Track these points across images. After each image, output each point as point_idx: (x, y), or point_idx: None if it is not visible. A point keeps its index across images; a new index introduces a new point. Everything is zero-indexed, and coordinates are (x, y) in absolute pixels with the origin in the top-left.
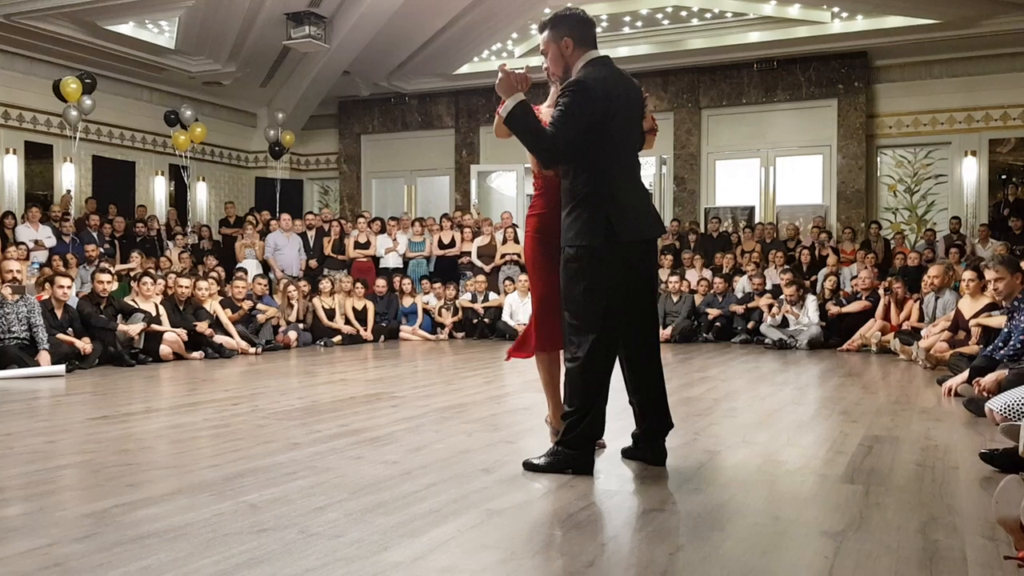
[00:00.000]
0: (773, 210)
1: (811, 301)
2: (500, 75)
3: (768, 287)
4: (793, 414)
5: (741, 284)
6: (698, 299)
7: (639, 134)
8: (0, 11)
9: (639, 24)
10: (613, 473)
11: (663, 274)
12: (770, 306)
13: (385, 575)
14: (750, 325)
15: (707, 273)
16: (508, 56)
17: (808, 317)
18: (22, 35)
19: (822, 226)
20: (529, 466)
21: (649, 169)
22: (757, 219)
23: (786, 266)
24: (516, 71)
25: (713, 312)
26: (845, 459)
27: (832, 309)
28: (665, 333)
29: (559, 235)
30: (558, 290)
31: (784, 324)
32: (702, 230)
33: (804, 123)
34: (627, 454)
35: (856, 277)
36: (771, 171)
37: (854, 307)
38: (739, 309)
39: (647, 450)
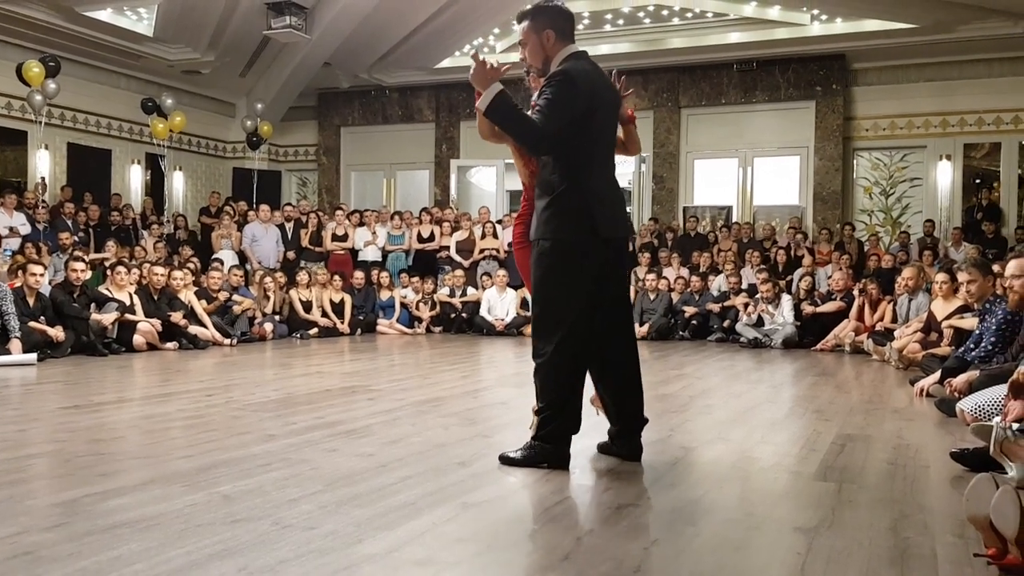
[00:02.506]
0: (750, 210)
1: (786, 301)
2: (474, 65)
3: (744, 286)
4: (767, 412)
5: (717, 283)
6: (675, 297)
7: (615, 133)
8: None
9: (620, 22)
10: (589, 468)
11: (640, 272)
12: (746, 305)
13: (359, 567)
14: (726, 324)
15: (684, 271)
16: (490, 51)
17: (783, 317)
18: None
19: (798, 227)
20: (505, 459)
21: (628, 167)
22: (734, 219)
23: (762, 266)
24: (492, 62)
25: (690, 310)
26: (818, 457)
27: (807, 309)
28: (642, 330)
29: None
30: None
31: (759, 323)
32: (680, 229)
33: (782, 124)
34: (603, 449)
35: (831, 278)
36: (749, 171)
37: (829, 307)
38: (715, 308)
39: (623, 446)
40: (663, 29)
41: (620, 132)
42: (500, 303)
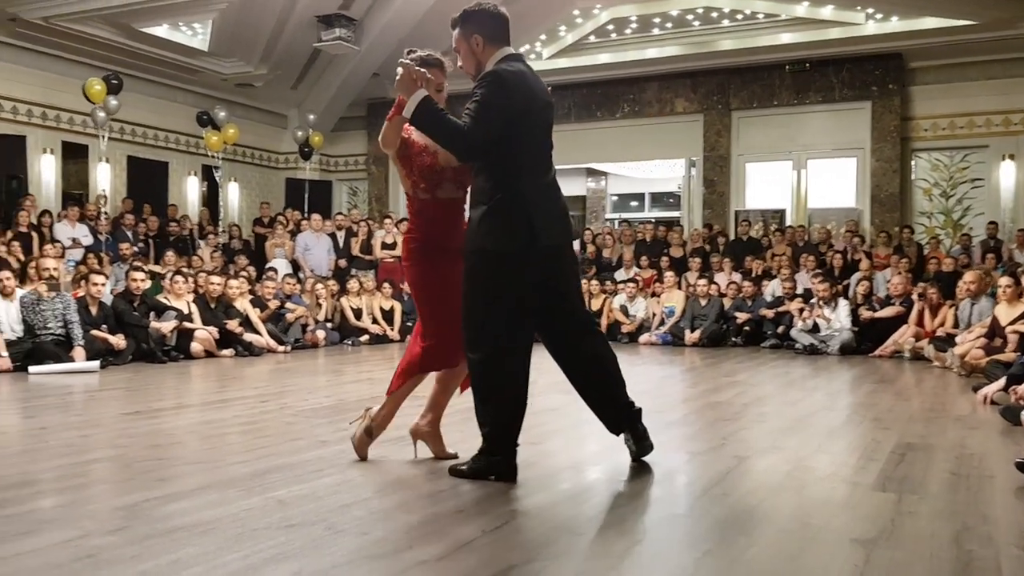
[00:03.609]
0: (804, 213)
1: (843, 306)
2: (399, 71)
3: (799, 291)
4: (824, 420)
5: (771, 288)
6: (727, 303)
7: (551, 135)
8: (38, 13)
9: (669, 25)
10: (638, 477)
11: (691, 277)
12: (801, 310)
13: (410, 573)
14: (780, 329)
15: (736, 276)
16: (536, 58)
17: (840, 322)
18: (59, 37)
19: (855, 230)
20: (455, 472)
21: (678, 171)
22: (788, 222)
23: (817, 270)
24: (420, 68)
25: (742, 316)
26: (877, 466)
27: (865, 314)
28: (693, 336)
29: (444, 251)
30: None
31: (815, 329)
32: (732, 233)
33: (837, 125)
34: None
35: (890, 282)
36: (803, 174)
37: (887, 312)
38: (769, 313)
39: (632, 446)
40: (712, 31)
41: None
42: None
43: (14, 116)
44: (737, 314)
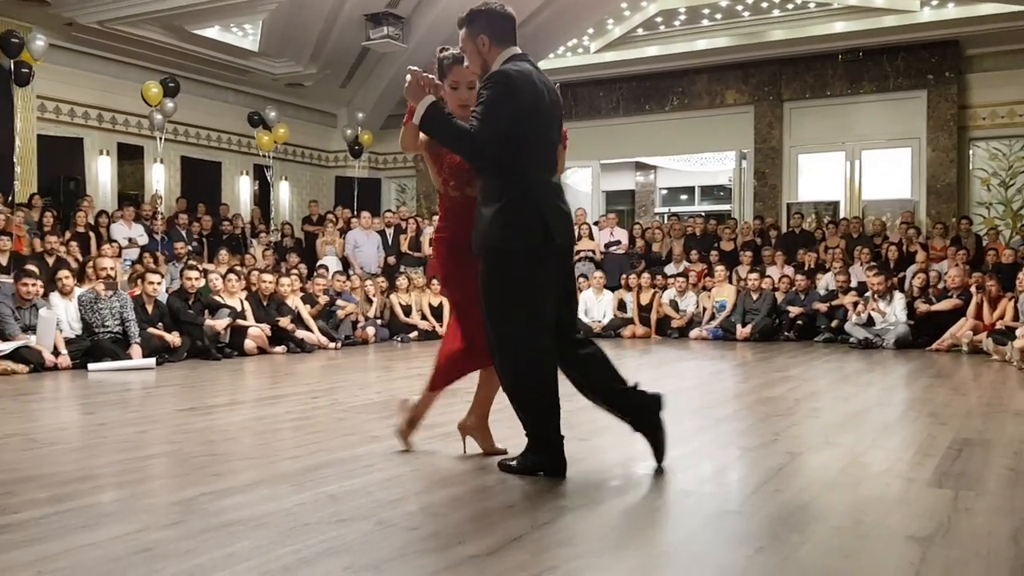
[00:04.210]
0: (859, 205)
1: (899, 299)
2: (408, 79)
3: (853, 284)
4: (879, 415)
5: (825, 281)
6: (779, 297)
7: (559, 135)
8: (94, 18)
9: (718, 16)
10: (689, 473)
11: (742, 271)
12: (855, 304)
13: (460, 568)
14: (834, 324)
15: (789, 270)
16: (584, 52)
17: (895, 315)
18: (114, 40)
19: (911, 221)
20: (504, 467)
21: (728, 163)
22: (842, 214)
23: (872, 263)
24: (425, 74)
25: (795, 310)
26: (933, 462)
27: (921, 307)
28: (744, 331)
29: (470, 251)
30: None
31: (870, 323)
32: (784, 226)
33: (892, 115)
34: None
35: (946, 274)
36: (857, 165)
37: (944, 305)
38: (822, 307)
39: (648, 441)
40: (763, 21)
41: None
42: (597, 305)
43: (71, 119)
44: (790, 308)
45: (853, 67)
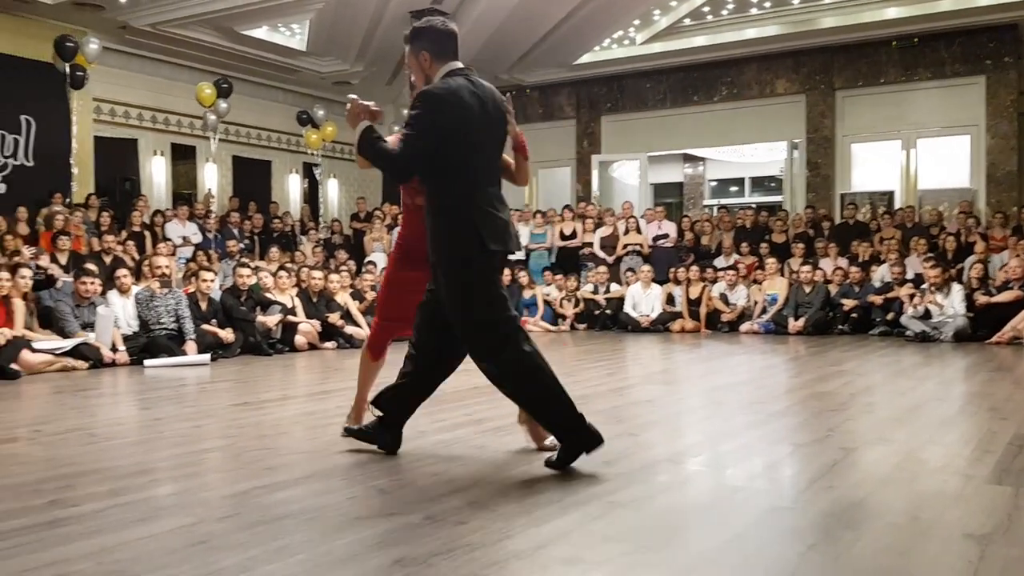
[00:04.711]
0: (914, 194)
1: (957, 291)
2: (348, 106)
3: (909, 276)
4: (936, 410)
5: (880, 273)
6: (833, 289)
7: (500, 147)
8: (146, 20)
9: (767, 4)
10: (740, 468)
11: (794, 263)
12: (911, 296)
13: (508, 563)
14: (889, 316)
15: (843, 262)
16: (630, 44)
17: (954, 308)
18: (167, 42)
19: (969, 211)
20: (551, 465)
21: (780, 154)
22: (897, 204)
23: (929, 254)
24: (363, 103)
25: (849, 303)
26: (993, 458)
27: (980, 299)
28: (797, 325)
29: (423, 257)
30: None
31: (927, 315)
32: (837, 217)
33: (948, 102)
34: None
35: (1007, 265)
36: (912, 154)
37: (1004, 297)
38: (877, 300)
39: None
40: (814, 8)
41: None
42: (645, 299)
43: (126, 120)
44: (844, 301)
45: (908, 53)
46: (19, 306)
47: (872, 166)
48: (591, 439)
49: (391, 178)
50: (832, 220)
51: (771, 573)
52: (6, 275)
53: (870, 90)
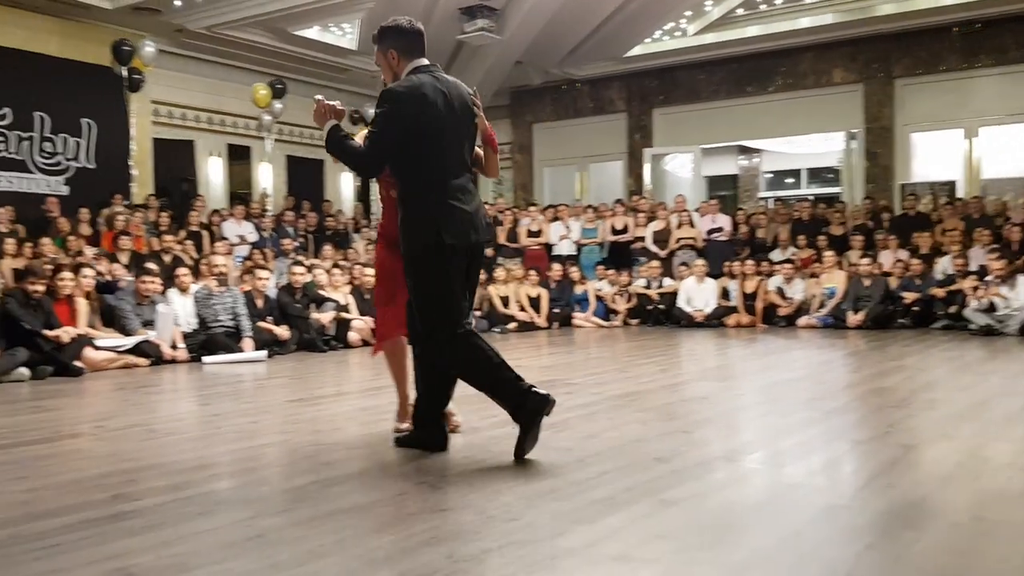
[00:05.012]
0: (978, 184)
1: (1023, 283)
2: (314, 106)
3: (972, 268)
4: (1001, 406)
5: (942, 265)
6: (893, 282)
7: (468, 140)
8: (202, 23)
9: None
10: (798, 465)
11: (853, 255)
12: (975, 288)
13: (559, 560)
14: (952, 310)
15: (903, 254)
16: (682, 35)
17: (1019, 301)
18: (222, 44)
19: None
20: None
21: (837, 144)
22: (959, 194)
23: (993, 245)
24: (328, 102)
25: (910, 296)
26: None
27: None
28: (856, 319)
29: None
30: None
31: (991, 308)
32: (897, 208)
33: (1013, 89)
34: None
35: None
36: (975, 142)
37: None
38: (940, 292)
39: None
40: None
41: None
42: (699, 293)
43: (183, 122)
44: (904, 294)
45: (970, 40)
46: (82, 305)
47: (933, 156)
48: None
49: (359, 174)
50: (892, 211)
51: (827, 572)
52: (69, 275)
53: (930, 78)
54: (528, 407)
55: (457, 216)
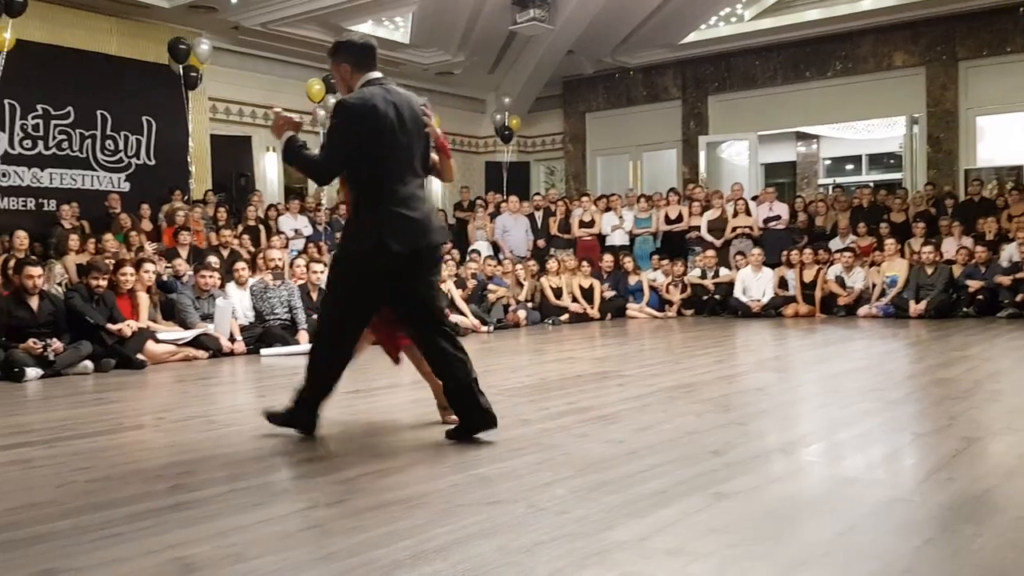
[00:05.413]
0: None
1: None
2: (273, 118)
3: None
4: None
5: (1008, 252)
6: (956, 270)
7: (420, 148)
8: (257, 20)
9: None
10: (857, 458)
11: (915, 243)
12: None
13: (610, 553)
14: (1019, 298)
15: (967, 241)
16: (738, 20)
17: None
18: (277, 41)
19: None
20: (267, 415)
21: (899, 130)
22: None
23: None
24: (287, 115)
25: (974, 284)
26: None
27: None
28: (918, 308)
29: None
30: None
31: None
32: (961, 194)
33: None
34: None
35: None
36: None
37: None
38: (1006, 280)
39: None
40: None
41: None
42: (756, 283)
43: (240, 118)
44: (968, 282)
45: None
46: (143, 299)
47: (999, 140)
48: (307, 426)
49: (314, 182)
50: (956, 197)
51: (884, 568)
52: (131, 270)
53: (995, 60)
54: (302, 423)
55: (403, 223)
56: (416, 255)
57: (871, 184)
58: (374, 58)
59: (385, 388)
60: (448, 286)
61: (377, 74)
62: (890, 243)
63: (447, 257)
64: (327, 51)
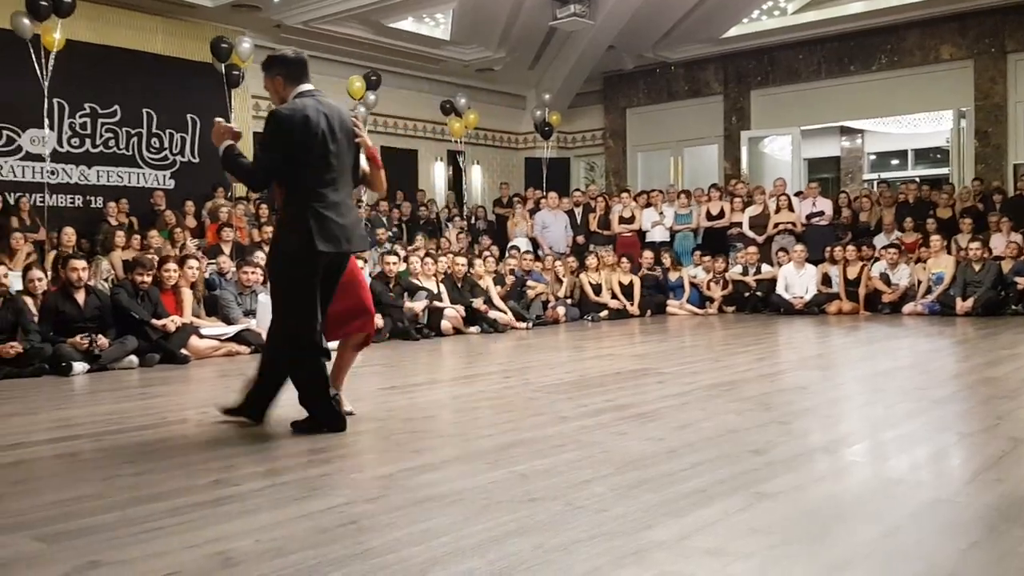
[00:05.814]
0: None
1: None
2: (214, 128)
3: None
4: None
5: None
6: (1005, 266)
7: (350, 157)
8: (299, 19)
9: None
10: (901, 458)
11: (962, 239)
12: None
13: (649, 553)
14: None
15: (1017, 237)
16: (781, 14)
17: None
18: (319, 39)
19: None
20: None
21: (945, 124)
22: None
23: None
24: (227, 124)
25: (1023, 281)
26: None
27: None
28: (965, 305)
29: None
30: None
31: None
32: (1010, 189)
33: None
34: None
35: None
36: None
37: None
38: None
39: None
40: None
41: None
42: (798, 280)
43: None
44: (1017, 279)
45: None
46: (187, 295)
47: None
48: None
49: (249, 188)
50: (1004, 193)
51: (929, 570)
52: (175, 266)
53: None
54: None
55: (330, 226)
56: (338, 258)
57: (917, 179)
58: (306, 71)
59: (424, 384)
60: (486, 282)
61: (309, 86)
62: (936, 239)
63: (487, 253)
64: (261, 65)
